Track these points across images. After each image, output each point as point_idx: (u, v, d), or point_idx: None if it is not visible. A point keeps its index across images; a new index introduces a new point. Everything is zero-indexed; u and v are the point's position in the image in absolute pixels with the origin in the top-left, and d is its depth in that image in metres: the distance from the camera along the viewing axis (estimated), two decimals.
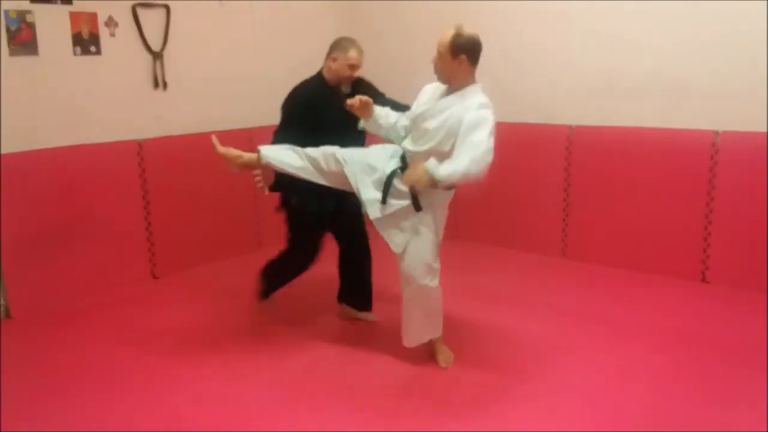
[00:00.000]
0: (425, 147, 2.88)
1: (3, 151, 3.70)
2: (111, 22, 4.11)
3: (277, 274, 3.65)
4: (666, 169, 4.20)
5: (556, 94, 4.69)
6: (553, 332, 3.47)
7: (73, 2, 3.92)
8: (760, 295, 3.84)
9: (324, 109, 3.24)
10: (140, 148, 4.29)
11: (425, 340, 3.13)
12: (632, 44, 4.29)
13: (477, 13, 4.91)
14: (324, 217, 3.39)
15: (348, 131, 3.17)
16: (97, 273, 4.12)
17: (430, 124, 2.86)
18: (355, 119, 3.11)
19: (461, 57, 2.82)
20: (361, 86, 3.37)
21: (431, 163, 2.70)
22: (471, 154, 2.69)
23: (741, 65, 3.92)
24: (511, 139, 4.73)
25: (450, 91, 2.90)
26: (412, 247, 2.95)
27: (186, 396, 2.90)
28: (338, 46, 3.29)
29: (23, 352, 3.38)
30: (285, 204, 3.43)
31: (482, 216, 5.03)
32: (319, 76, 3.36)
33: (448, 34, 2.82)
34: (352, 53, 3.25)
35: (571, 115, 4.61)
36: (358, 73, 3.33)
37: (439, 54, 2.84)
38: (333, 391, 2.92)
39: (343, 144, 3.04)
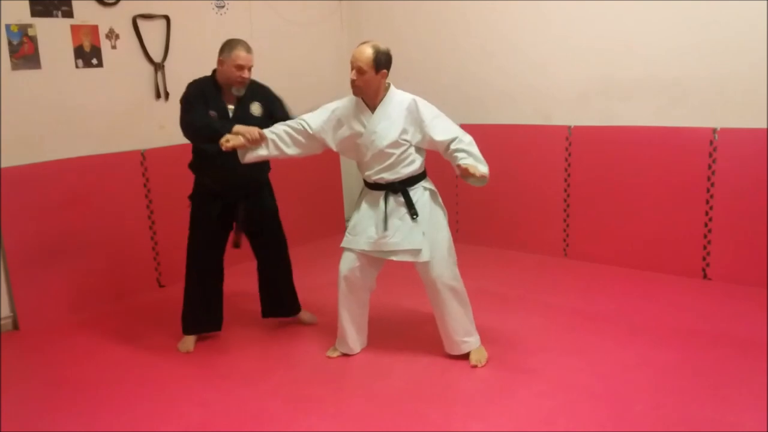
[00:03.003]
0: None
1: (9, 164, 3.74)
2: (112, 35, 4.15)
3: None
4: (665, 167, 4.23)
5: (554, 95, 4.72)
6: (558, 332, 3.49)
7: (74, 15, 3.96)
8: (761, 291, 3.87)
9: (210, 105, 3.23)
10: (144, 158, 4.32)
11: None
12: (630, 43, 4.31)
13: (476, 17, 4.95)
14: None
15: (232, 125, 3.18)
16: (104, 283, 4.15)
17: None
18: (244, 117, 3.22)
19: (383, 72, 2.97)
20: (259, 92, 3.36)
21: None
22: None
23: (738, 62, 3.94)
24: (511, 141, 4.81)
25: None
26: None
27: (194, 403, 2.93)
28: (225, 47, 3.22)
29: (32, 363, 3.42)
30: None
31: (483, 218, 5.06)
32: (211, 75, 3.32)
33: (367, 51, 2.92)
34: (238, 52, 3.17)
35: (570, 115, 4.64)
36: (249, 75, 3.25)
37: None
38: (337, 394, 2.95)
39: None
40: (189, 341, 3.49)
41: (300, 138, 3.10)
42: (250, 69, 3.22)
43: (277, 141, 3.08)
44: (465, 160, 2.91)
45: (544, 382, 2.96)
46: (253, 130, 3.02)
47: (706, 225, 4.14)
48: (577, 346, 3.32)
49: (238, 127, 3.03)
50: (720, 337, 3.34)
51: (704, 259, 4.18)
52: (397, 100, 3.03)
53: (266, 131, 3.07)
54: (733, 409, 2.69)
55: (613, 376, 2.99)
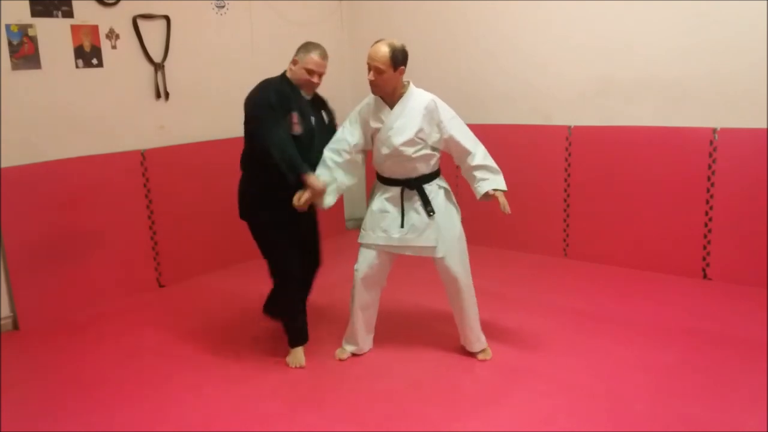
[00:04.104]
0: None
1: (9, 164, 3.73)
2: (112, 35, 4.15)
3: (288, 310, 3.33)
4: (665, 167, 4.23)
5: (554, 95, 4.72)
6: (559, 332, 3.49)
7: (75, 15, 3.96)
8: (761, 291, 3.87)
9: (293, 105, 3.07)
10: (143, 158, 4.32)
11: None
12: (630, 43, 4.31)
13: (476, 17, 4.95)
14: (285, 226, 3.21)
15: (314, 131, 3.13)
16: (103, 283, 4.15)
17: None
18: (318, 122, 3.18)
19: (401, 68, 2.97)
20: (321, 101, 3.27)
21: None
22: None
23: (738, 62, 3.94)
24: (511, 141, 4.81)
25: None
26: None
27: (193, 402, 2.93)
28: (301, 48, 3.12)
29: (32, 363, 3.41)
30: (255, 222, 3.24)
31: (483, 218, 5.05)
32: (282, 75, 3.17)
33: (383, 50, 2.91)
34: (312, 56, 3.06)
35: (570, 115, 4.64)
36: (319, 81, 3.14)
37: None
38: (338, 394, 2.95)
39: (311, 145, 3.10)
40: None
41: (350, 162, 3.13)
42: (320, 75, 3.11)
43: (340, 182, 3.10)
44: (485, 184, 3.01)
45: (544, 382, 2.96)
46: (319, 184, 2.99)
47: (706, 225, 4.14)
48: (577, 346, 3.32)
49: (308, 179, 2.95)
50: (720, 337, 3.34)
51: (704, 259, 4.18)
52: (417, 98, 3.04)
53: (325, 176, 3.05)
54: (733, 409, 2.69)
55: (613, 376, 2.99)
